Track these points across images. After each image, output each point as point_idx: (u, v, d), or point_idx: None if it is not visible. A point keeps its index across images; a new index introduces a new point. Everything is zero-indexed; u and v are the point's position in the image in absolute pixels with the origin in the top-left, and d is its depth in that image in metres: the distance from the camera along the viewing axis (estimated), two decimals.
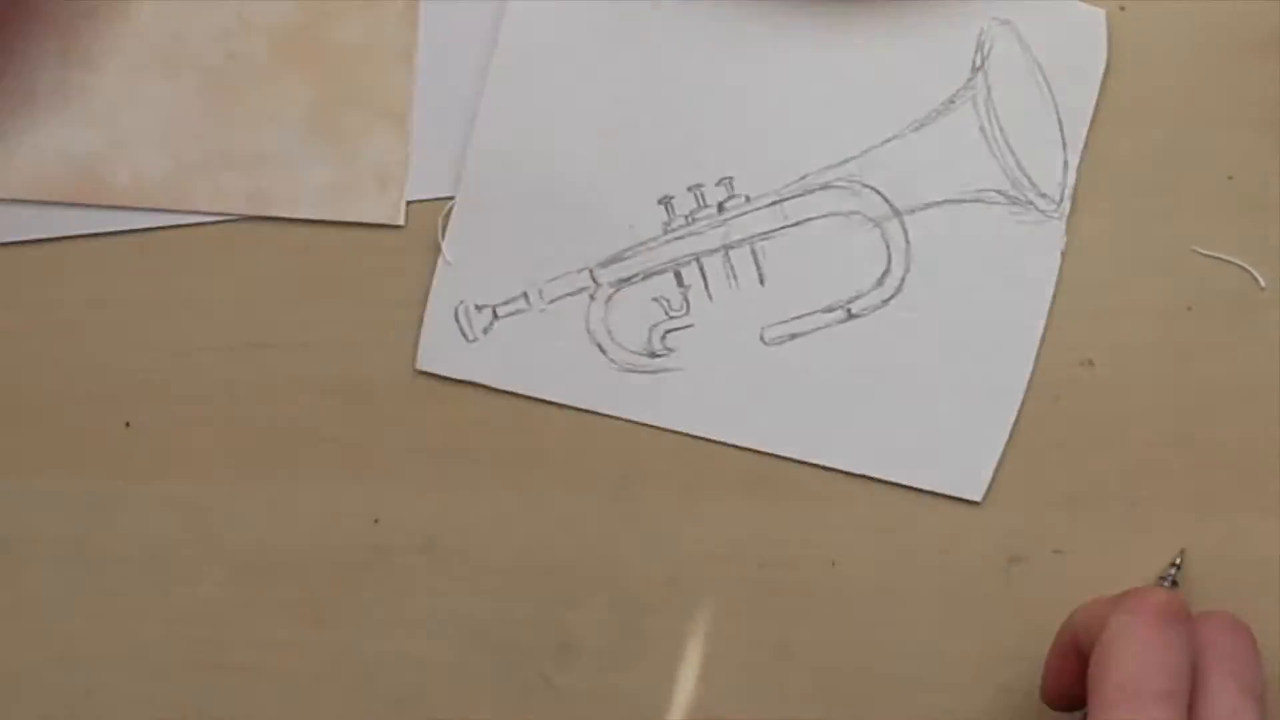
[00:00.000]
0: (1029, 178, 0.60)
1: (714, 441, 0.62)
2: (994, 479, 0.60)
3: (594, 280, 0.62)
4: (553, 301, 0.62)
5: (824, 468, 0.61)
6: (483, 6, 0.62)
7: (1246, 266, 0.59)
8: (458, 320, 0.62)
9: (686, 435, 0.62)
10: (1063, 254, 0.60)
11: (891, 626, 0.60)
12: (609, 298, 0.62)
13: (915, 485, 0.61)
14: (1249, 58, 0.59)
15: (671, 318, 0.62)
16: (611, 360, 0.62)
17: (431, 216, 0.62)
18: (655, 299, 0.62)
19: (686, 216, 0.62)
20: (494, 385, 0.62)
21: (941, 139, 0.60)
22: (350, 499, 0.63)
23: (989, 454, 0.60)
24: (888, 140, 0.60)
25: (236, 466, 0.63)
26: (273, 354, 0.63)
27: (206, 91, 0.63)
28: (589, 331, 0.62)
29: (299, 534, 0.63)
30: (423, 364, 0.62)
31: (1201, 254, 0.59)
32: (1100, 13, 0.59)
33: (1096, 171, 0.59)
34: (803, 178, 0.61)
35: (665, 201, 0.62)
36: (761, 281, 0.61)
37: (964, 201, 0.60)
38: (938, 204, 0.60)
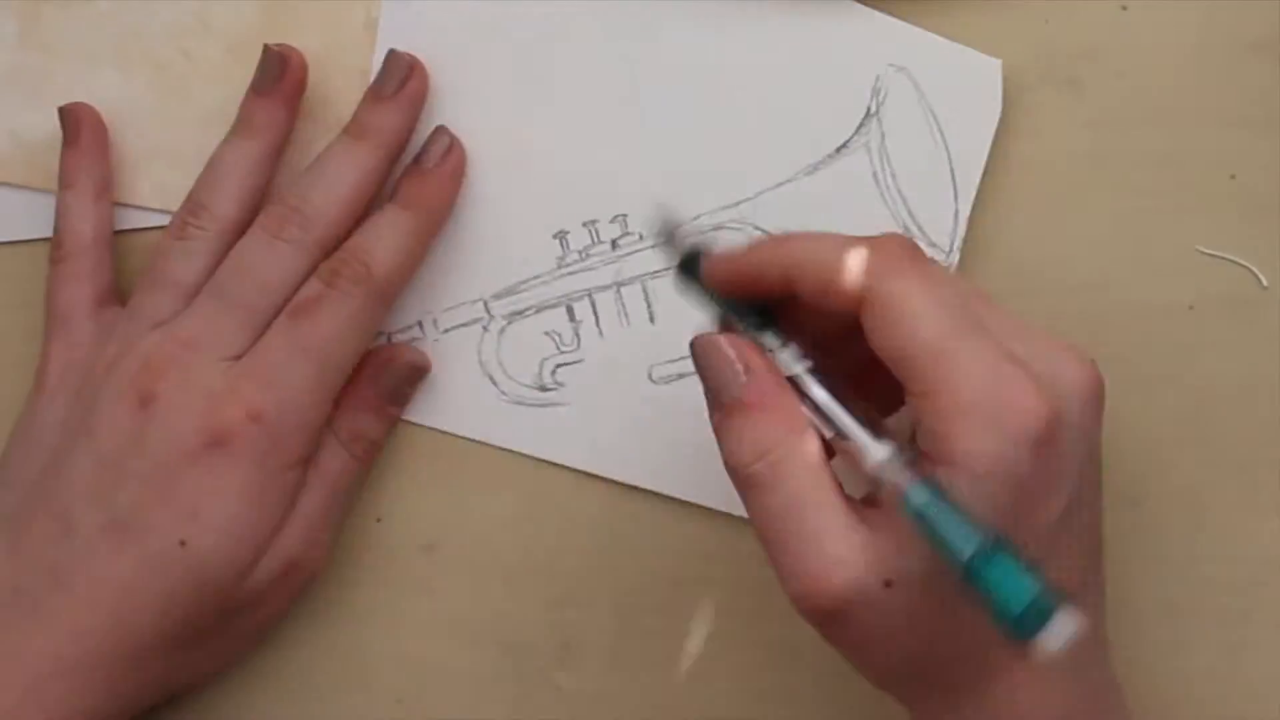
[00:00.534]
0: (920, 226, 0.59)
1: (601, 478, 0.62)
2: None
3: (488, 312, 0.62)
4: (446, 331, 0.62)
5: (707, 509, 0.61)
6: (442, 27, 0.62)
7: (1249, 266, 0.59)
8: None
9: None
10: None
11: None
12: (502, 330, 0.62)
13: None
14: (1250, 58, 0.59)
15: (562, 352, 0.62)
16: (502, 392, 0.62)
17: None
18: (547, 333, 0.62)
19: (580, 252, 0.62)
20: None
21: (834, 183, 0.60)
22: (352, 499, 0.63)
23: None
24: (781, 184, 0.60)
25: None
26: None
27: (158, 87, 0.63)
28: (481, 363, 0.62)
29: None
30: None
31: (1204, 253, 0.59)
32: (996, 63, 0.59)
33: (1097, 171, 0.59)
34: (695, 218, 0.61)
35: (560, 236, 0.62)
36: (652, 320, 0.61)
37: None
38: None
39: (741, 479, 0.51)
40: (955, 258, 0.59)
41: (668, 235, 0.55)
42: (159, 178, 0.64)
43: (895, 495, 0.48)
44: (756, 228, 0.60)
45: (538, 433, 0.62)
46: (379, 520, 0.63)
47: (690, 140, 0.61)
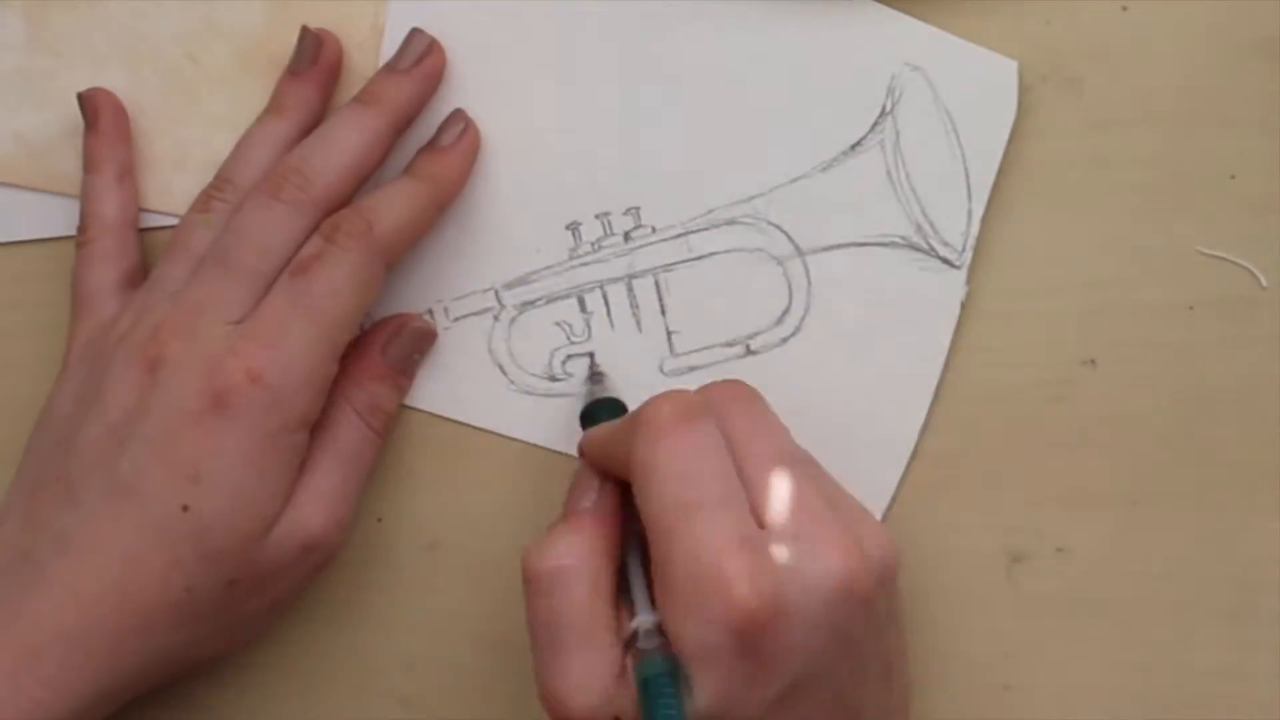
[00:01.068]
0: (933, 225, 0.60)
1: None
2: (981, 483, 0.60)
3: (499, 301, 0.62)
4: (457, 320, 0.63)
5: None
6: (449, 29, 0.62)
7: (1249, 266, 0.59)
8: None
9: None
10: (963, 304, 0.60)
11: None
12: (513, 320, 0.62)
13: None
14: (1251, 58, 0.58)
15: (573, 343, 0.62)
16: (511, 382, 0.62)
17: None
18: (558, 323, 0.62)
19: (593, 244, 0.62)
20: None
21: (848, 181, 0.60)
22: None
23: (881, 497, 0.60)
24: (795, 179, 0.60)
25: None
26: None
27: (165, 90, 0.64)
28: (491, 351, 0.62)
29: None
30: None
31: (1204, 254, 0.59)
32: (1013, 64, 0.59)
33: (1097, 171, 0.59)
34: (709, 212, 0.61)
35: (573, 227, 0.62)
36: (663, 312, 0.62)
37: (867, 245, 0.60)
38: (841, 246, 0.60)
39: (529, 574, 0.54)
40: (968, 257, 0.60)
41: (591, 376, 0.60)
42: (165, 181, 0.64)
43: (634, 658, 0.52)
44: (769, 223, 0.61)
45: (546, 423, 0.62)
46: (380, 520, 0.63)
47: (705, 134, 0.61)
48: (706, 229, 0.61)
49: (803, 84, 0.60)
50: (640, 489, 0.53)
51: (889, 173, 0.60)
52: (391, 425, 0.62)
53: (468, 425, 0.63)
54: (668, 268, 0.61)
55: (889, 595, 0.54)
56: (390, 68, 0.61)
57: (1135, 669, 0.59)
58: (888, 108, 0.60)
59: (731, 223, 0.61)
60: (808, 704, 0.52)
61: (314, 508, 0.59)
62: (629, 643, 0.52)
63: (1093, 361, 0.59)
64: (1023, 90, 0.59)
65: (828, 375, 0.60)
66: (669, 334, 0.61)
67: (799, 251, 0.61)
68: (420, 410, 0.63)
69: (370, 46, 0.62)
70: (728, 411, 0.55)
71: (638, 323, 0.62)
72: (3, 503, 0.60)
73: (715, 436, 0.53)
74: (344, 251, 0.58)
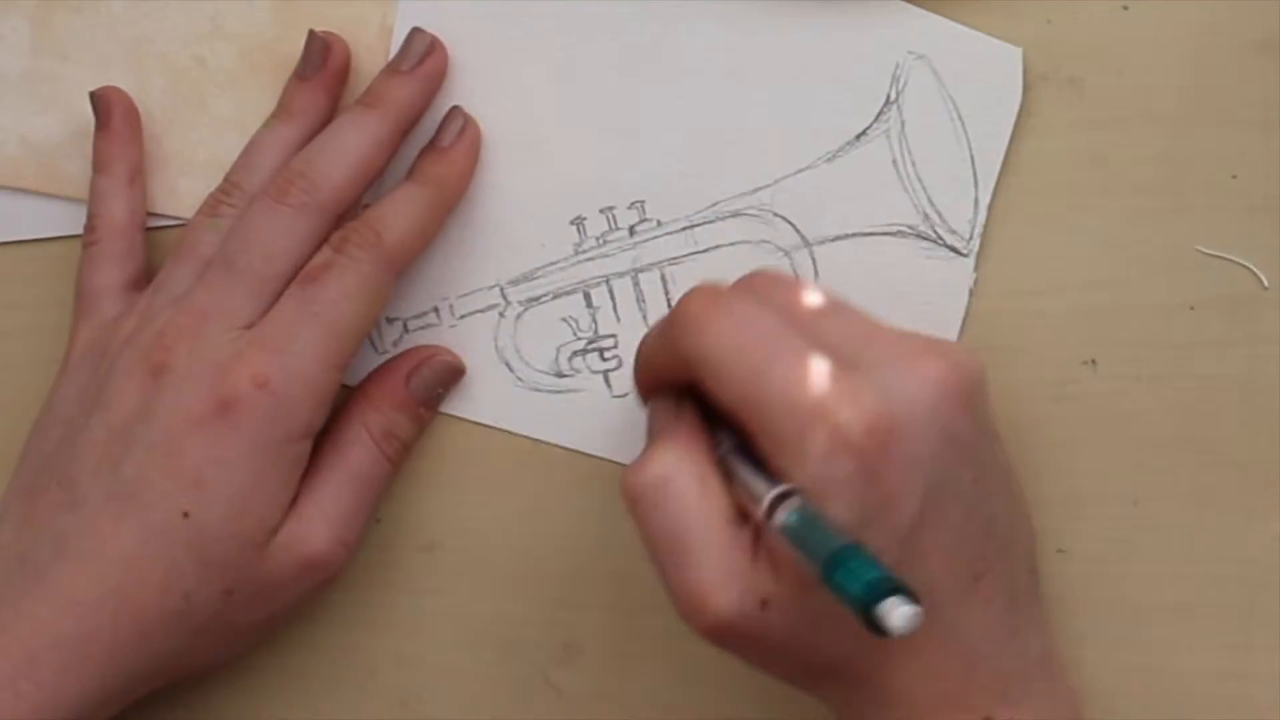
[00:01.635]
0: (940, 213, 0.60)
1: (616, 463, 0.62)
2: None
3: (504, 298, 0.62)
4: (462, 318, 0.63)
5: None
6: (458, 31, 0.62)
7: (1250, 266, 0.59)
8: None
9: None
10: (971, 291, 0.60)
11: None
12: (518, 316, 0.62)
13: None
14: (1251, 57, 0.58)
15: (579, 338, 0.62)
16: (519, 379, 0.62)
17: None
18: (564, 319, 0.62)
19: (598, 238, 0.62)
20: None
21: (854, 171, 0.60)
22: None
23: None
24: (800, 170, 0.60)
25: None
26: None
27: (171, 93, 0.64)
28: (497, 349, 0.62)
29: None
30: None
31: (1204, 253, 0.59)
32: (1017, 51, 0.59)
33: (1097, 171, 0.59)
34: (714, 204, 0.61)
35: (577, 222, 0.62)
36: (670, 306, 0.61)
37: (874, 235, 0.60)
38: (848, 236, 0.60)
39: (634, 497, 0.53)
40: (975, 245, 0.60)
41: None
42: (171, 184, 0.64)
43: (765, 520, 0.50)
44: (776, 214, 0.61)
45: (554, 419, 0.62)
46: (379, 521, 0.63)
47: (710, 127, 0.61)
48: (712, 221, 0.61)
49: (807, 74, 0.60)
50: (709, 381, 0.52)
51: (895, 162, 0.60)
52: (406, 454, 0.62)
53: (465, 426, 0.63)
54: (674, 261, 0.61)
55: (984, 403, 0.53)
56: (392, 69, 0.61)
57: (1135, 669, 0.59)
58: (892, 97, 0.60)
59: (737, 214, 0.61)
60: (943, 523, 0.51)
61: (318, 526, 0.59)
62: (768, 514, 0.50)
63: (1093, 361, 0.59)
64: (1023, 89, 0.59)
65: None
66: None
67: (806, 242, 0.61)
68: (447, 415, 0.63)
69: (379, 48, 0.62)
70: (763, 289, 0.54)
71: (644, 317, 0.62)
72: (2, 504, 0.60)
73: (752, 305, 0.53)
74: (354, 261, 0.58)
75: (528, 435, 0.63)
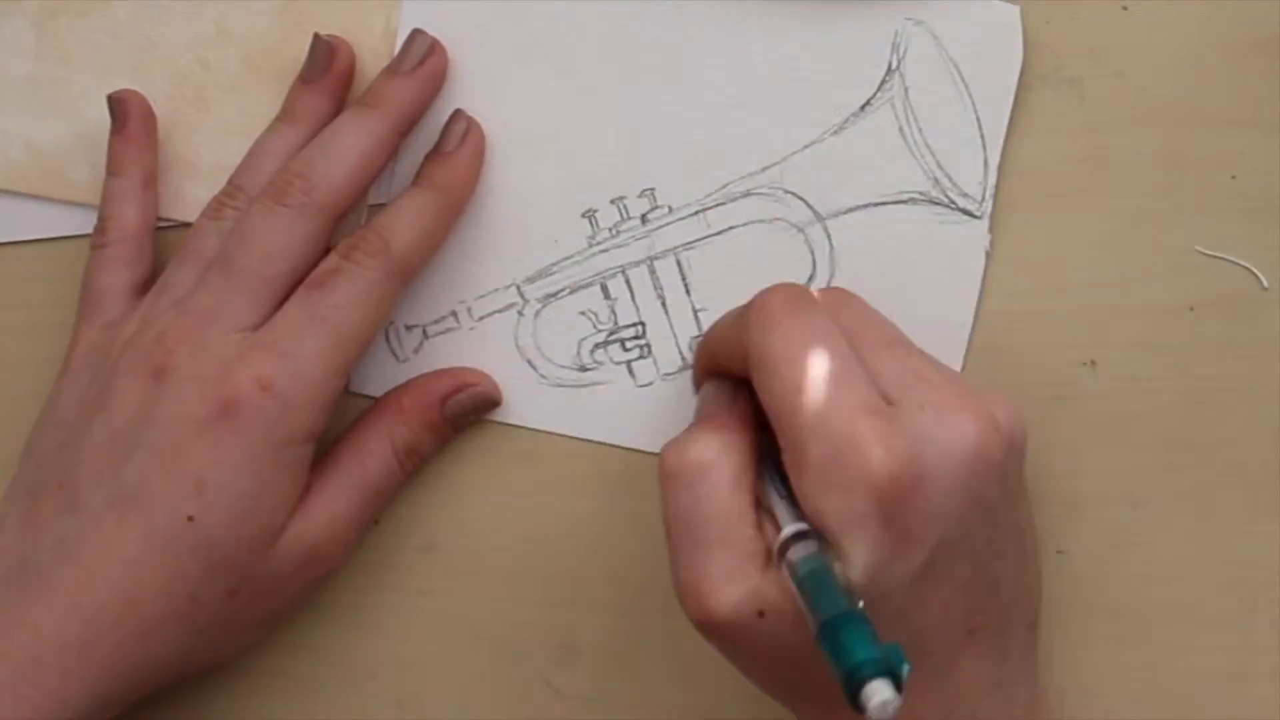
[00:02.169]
0: (950, 177, 0.60)
1: (643, 452, 0.62)
2: None
3: (521, 296, 0.62)
4: (481, 319, 0.63)
5: None
6: (462, 33, 0.62)
7: (1249, 266, 0.59)
8: (388, 341, 0.63)
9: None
10: (987, 253, 0.60)
11: None
12: (537, 313, 0.62)
13: None
14: (1251, 58, 0.59)
15: (599, 330, 0.62)
16: (542, 376, 0.62)
17: None
18: (583, 313, 0.62)
19: (611, 229, 0.62)
20: None
21: (861, 142, 0.60)
22: None
23: None
24: (808, 145, 0.60)
25: None
26: None
27: (175, 97, 0.64)
28: (518, 348, 0.62)
29: None
30: (354, 385, 0.63)
31: (1204, 254, 0.59)
32: (1015, 9, 0.59)
33: (1097, 172, 0.59)
34: (724, 186, 0.61)
35: (589, 215, 0.62)
36: (688, 291, 0.61)
37: (886, 204, 0.60)
38: (860, 207, 0.60)
39: (668, 472, 0.53)
40: (988, 206, 0.60)
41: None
42: (176, 187, 0.64)
43: (777, 555, 0.51)
44: (786, 191, 0.61)
45: (580, 414, 0.62)
46: (377, 522, 0.63)
47: (714, 109, 0.61)
48: (723, 203, 0.61)
49: (808, 49, 0.60)
50: (761, 378, 0.52)
51: (901, 130, 0.60)
52: (420, 467, 0.63)
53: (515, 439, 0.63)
54: (688, 246, 0.61)
55: (1018, 465, 0.54)
56: (392, 70, 0.61)
57: (1135, 670, 0.59)
58: (894, 65, 0.60)
59: (748, 194, 0.61)
60: (949, 576, 0.51)
61: (325, 529, 0.59)
62: (781, 550, 0.51)
63: (1093, 362, 0.59)
64: (1022, 90, 0.59)
65: None
66: (695, 311, 0.61)
67: (818, 217, 0.61)
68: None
69: (383, 51, 0.62)
70: (837, 307, 0.55)
71: (663, 303, 0.62)
72: (1, 506, 0.60)
73: (827, 321, 0.53)
74: (362, 269, 0.58)
75: (554, 432, 0.63)
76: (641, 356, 0.62)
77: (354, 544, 0.61)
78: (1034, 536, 0.57)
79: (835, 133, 0.60)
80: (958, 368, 0.60)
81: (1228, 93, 0.59)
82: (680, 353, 0.62)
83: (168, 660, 0.58)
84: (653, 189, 0.61)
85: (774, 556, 0.51)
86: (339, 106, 0.62)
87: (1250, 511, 0.59)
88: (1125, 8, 0.59)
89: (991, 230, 0.60)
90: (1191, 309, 0.59)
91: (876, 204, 0.60)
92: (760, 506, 0.53)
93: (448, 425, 0.62)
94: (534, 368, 0.62)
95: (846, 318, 0.54)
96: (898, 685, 0.46)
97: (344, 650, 0.63)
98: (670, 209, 0.61)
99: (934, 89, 0.60)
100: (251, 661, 0.63)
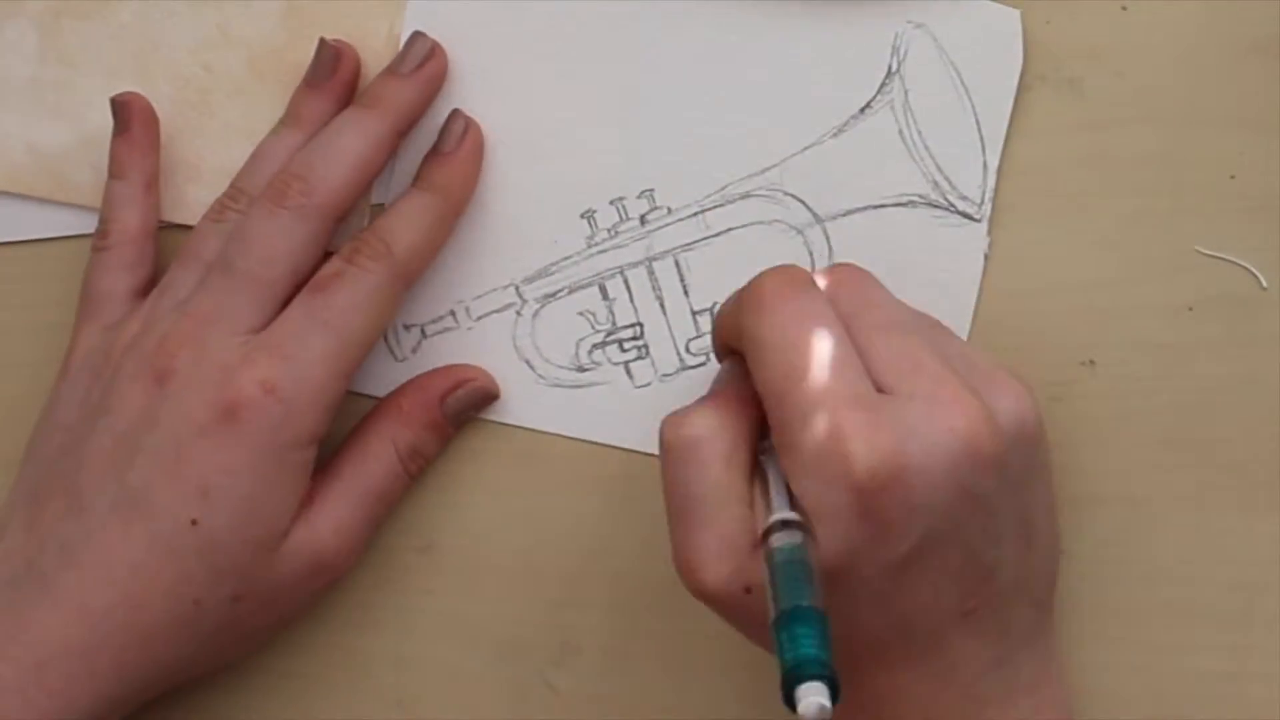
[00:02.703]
0: (949, 180, 0.60)
1: (641, 453, 0.62)
2: None
3: (519, 296, 0.62)
4: (479, 319, 0.63)
5: None
6: (467, 38, 0.62)
7: (1249, 267, 0.59)
8: (386, 340, 0.63)
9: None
10: (986, 256, 0.60)
11: None
12: (535, 313, 0.62)
13: None
14: (1250, 58, 0.59)
15: (597, 331, 0.62)
16: (540, 376, 0.62)
17: None
18: (581, 313, 0.62)
19: (610, 230, 0.62)
20: None
21: (861, 144, 0.60)
22: None
23: None
24: (807, 147, 0.61)
25: None
26: None
27: (178, 100, 0.64)
28: (516, 348, 0.62)
29: None
30: (353, 385, 0.62)
31: (1204, 254, 0.59)
32: (1015, 13, 0.59)
33: (1097, 171, 0.59)
34: (723, 188, 0.61)
35: (588, 215, 0.62)
36: (686, 293, 0.62)
37: (885, 206, 0.60)
38: (860, 210, 0.60)
39: (666, 444, 0.53)
40: (987, 209, 0.60)
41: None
42: (179, 191, 0.64)
43: (760, 539, 0.51)
44: (786, 193, 0.61)
45: (577, 414, 0.62)
46: None
47: (714, 110, 0.61)
48: (722, 205, 0.61)
49: (807, 51, 0.60)
50: (753, 362, 0.53)
51: (901, 132, 0.60)
52: (425, 469, 0.63)
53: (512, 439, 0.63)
54: (687, 247, 0.61)
55: (1026, 452, 0.53)
56: (392, 71, 0.61)
57: (1135, 670, 0.59)
58: (894, 67, 0.60)
59: (747, 196, 0.61)
60: (936, 564, 0.51)
61: (330, 536, 0.59)
62: (765, 534, 0.51)
63: (1092, 362, 0.59)
64: (1021, 90, 0.59)
65: None
66: (694, 313, 0.61)
67: (818, 219, 0.61)
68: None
69: (386, 55, 0.62)
70: (836, 286, 0.55)
71: (661, 305, 0.62)
72: (3, 510, 0.60)
73: (822, 304, 0.53)
74: (364, 272, 0.58)
75: (551, 432, 0.63)
76: (639, 357, 0.62)
77: (360, 551, 0.61)
78: (1051, 518, 0.56)
79: (835, 135, 0.60)
80: None
81: (1228, 93, 0.59)
82: (678, 354, 0.62)
83: (172, 665, 0.58)
84: (652, 190, 0.61)
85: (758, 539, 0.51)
86: (343, 110, 0.62)
87: (1250, 511, 0.59)
88: (1125, 8, 0.59)
89: (990, 233, 0.60)
90: (1191, 309, 0.59)
91: (875, 206, 0.60)
92: (760, 482, 0.53)
93: (449, 423, 0.62)
94: (532, 368, 0.62)
95: (846, 298, 0.54)
96: (834, 695, 0.46)
97: (342, 650, 0.63)
98: (669, 210, 0.61)
99: (934, 92, 0.60)
100: (252, 661, 0.63)
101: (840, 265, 0.56)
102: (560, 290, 0.62)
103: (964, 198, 0.59)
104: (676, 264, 0.62)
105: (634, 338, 0.62)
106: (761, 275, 0.54)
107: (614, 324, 0.62)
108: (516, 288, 0.62)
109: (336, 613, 0.63)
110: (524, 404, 0.63)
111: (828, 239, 0.60)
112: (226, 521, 0.57)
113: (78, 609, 0.56)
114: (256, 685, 0.63)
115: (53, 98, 0.64)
